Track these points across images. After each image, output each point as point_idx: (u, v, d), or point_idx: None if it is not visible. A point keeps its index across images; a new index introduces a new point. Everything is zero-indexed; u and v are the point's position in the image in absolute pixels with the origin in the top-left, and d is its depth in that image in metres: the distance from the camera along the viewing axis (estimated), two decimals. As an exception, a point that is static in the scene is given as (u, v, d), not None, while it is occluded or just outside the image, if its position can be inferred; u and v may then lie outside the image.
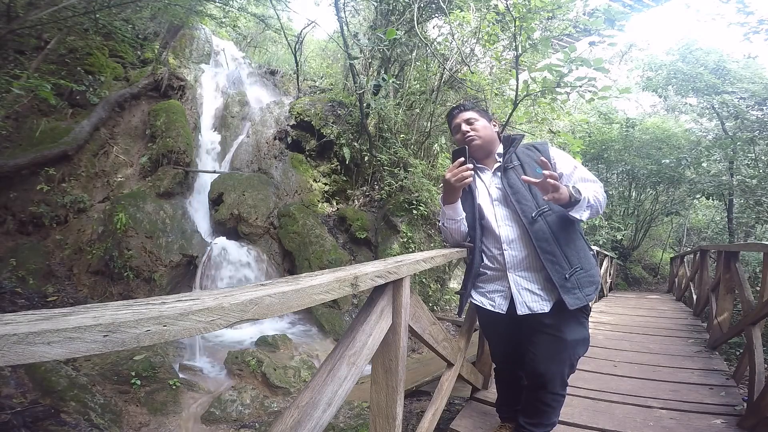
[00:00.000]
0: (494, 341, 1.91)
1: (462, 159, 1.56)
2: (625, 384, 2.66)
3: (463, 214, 1.73)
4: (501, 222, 1.63)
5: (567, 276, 1.52)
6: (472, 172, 1.61)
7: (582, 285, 1.54)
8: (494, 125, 1.77)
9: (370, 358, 1.14)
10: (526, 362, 1.64)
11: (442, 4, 5.88)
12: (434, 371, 3.84)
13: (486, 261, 1.69)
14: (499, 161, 1.71)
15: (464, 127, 1.71)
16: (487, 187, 1.70)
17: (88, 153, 5.89)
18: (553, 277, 1.51)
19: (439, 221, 1.83)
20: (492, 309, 1.66)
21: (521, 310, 1.57)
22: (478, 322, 2.06)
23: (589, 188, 1.53)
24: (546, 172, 1.39)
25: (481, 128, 1.70)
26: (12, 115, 5.45)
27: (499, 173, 1.69)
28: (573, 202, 1.45)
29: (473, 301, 1.74)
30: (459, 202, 1.69)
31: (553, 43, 6.81)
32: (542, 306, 1.55)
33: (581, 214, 1.49)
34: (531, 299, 1.57)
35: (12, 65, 5.14)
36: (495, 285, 1.67)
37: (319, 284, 0.84)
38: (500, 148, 1.74)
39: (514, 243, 1.60)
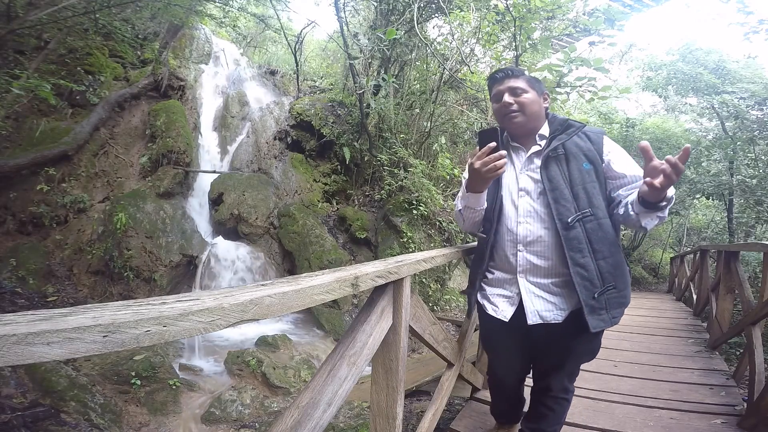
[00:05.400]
0: (493, 349, 1.69)
1: (494, 144, 1.26)
2: (625, 384, 2.66)
3: (485, 205, 1.46)
4: (522, 218, 1.40)
5: (596, 295, 1.32)
6: (506, 160, 1.32)
7: (611, 306, 1.34)
8: (545, 99, 1.47)
9: (370, 358, 1.14)
10: (534, 366, 1.59)
11: (442, 4, 5.88)
12: (434, 371, 3.84)
13: (495, 260, 1.49)
14: (540, 144, 1.44)
15: (507, 97, 1.41)
16: (517, 173, 1.45)
17: (88, 153, 5.89)
18: (580, 293, 1.31)
19: (455, 203, 1.58)
20: (494, 314, 1.47)
21: (532, 320, 1.38)
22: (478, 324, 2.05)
23: None
24: (673, 159, 1.07)
25: (528, 102, 1.40)
26: (12, 115, 5.44)
27: (536, 159, 1.42)
28: (663, 200, 1.18)
29: (478, 301, 1.56)
30: (485, 192, 1.42)
31: (553, 43, 6.80)
32: (556, 316, 1.38)
33: (653, 222, 1.26)
34: (545, 308, 1.39)
35: (12, 65, 5.13)
36: (501, 289, 1.48)
37: (320, 284, 0.84)
38: (544, 129, 1.45)
39: (533, 246, 1.39)
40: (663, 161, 1.10)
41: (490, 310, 1.50)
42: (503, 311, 1.46)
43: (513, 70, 1.46)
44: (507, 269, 1.46)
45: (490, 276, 1.53)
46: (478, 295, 1.56)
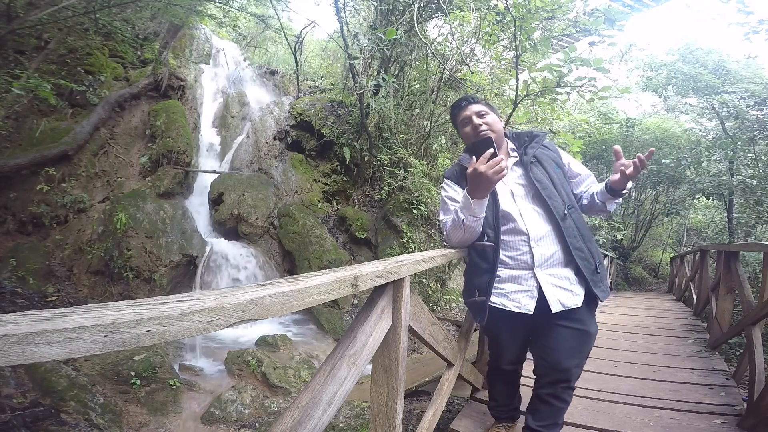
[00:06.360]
0: (507, 343, 1.78)
1: (492, 150, 1.40)
2: (625, 384, 2.66)
3: (484, 213, 1.56)
4: (528, 219, 1.57)
5: (598, 270, 1.56)
6: (506, 163, 1.47)
7: (603, 278, 1.59)
8: (501, 120, 1.73)
9: (370, 358, 1.14)
10: (546, 358, 1.59)
11: (442, 4, 5.88)
12: (434, 371, 3.84)
13: (507, 261, 1.60)
14: (513, 155, 1.69)
15: (476, 120, 1.64)
16: (505, 182, 1.63)
17: (88, 153, 5.89)
18: (584, 271, 1.53)
19: (444, 220, 1.68)
20: (517, 310, 1.57)
21: (555, 308, 1.51)
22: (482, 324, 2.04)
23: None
24: (642, 157, 1.45)
25: (493, 122, 1.64)
26: (12, 115, 5.44)
27: (517, 168, 1.66)
28: (625, 189, 1.55)
29: (492, 304, 1.61)
30: (487, 198, 1.51)
31: (553, 43, 6.80)
32: (575, 301, 1.53)
33: (614, 206, 1.63)
34: (564, 296, 1.54)
35: (12, 65, 5.13)
36: (517, 285, 1.58)
37: (320, 284, 0.84)
38: (510, 144, 1.72)
39: (543, 240, 1.56)
40: (629, 160, 1.48)
41: (512, 307, 1.58)
42: (526, 305, 1.57)
43: (474, 97, 1.73)
44: (521, 266, 1.59)
45: (502, 275, 1.61)
46: (493, 297, 1.61)
